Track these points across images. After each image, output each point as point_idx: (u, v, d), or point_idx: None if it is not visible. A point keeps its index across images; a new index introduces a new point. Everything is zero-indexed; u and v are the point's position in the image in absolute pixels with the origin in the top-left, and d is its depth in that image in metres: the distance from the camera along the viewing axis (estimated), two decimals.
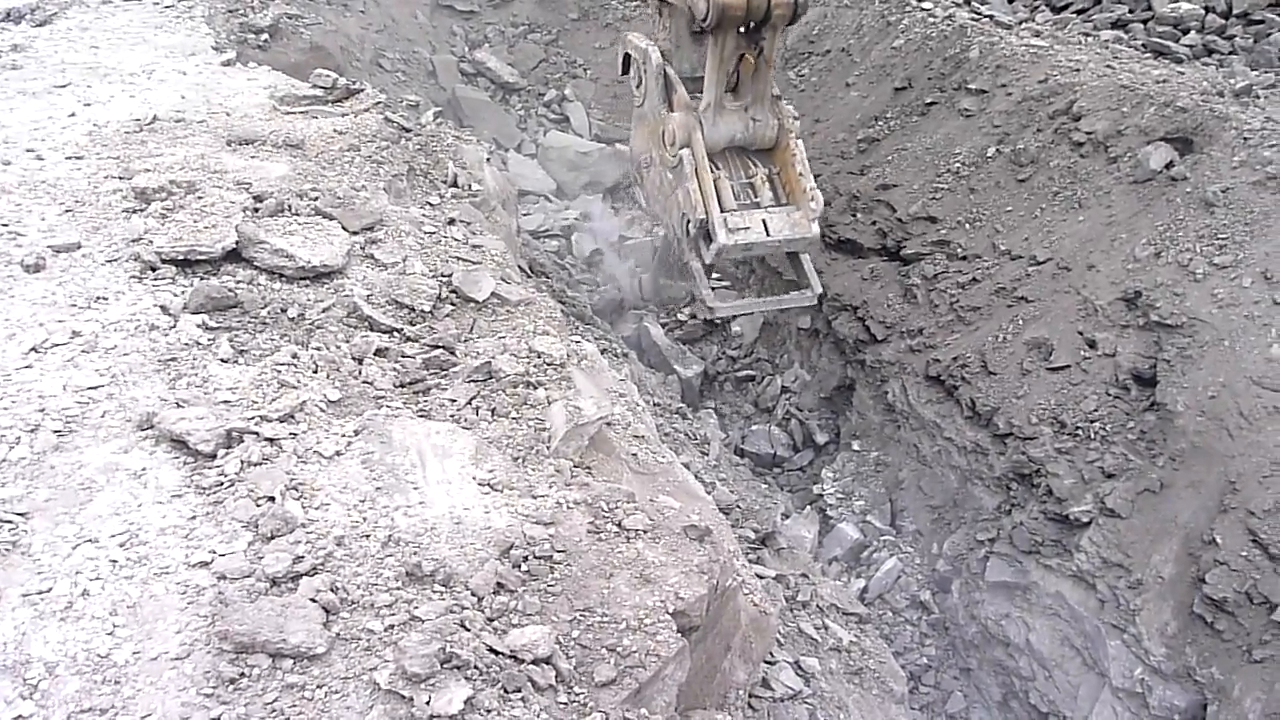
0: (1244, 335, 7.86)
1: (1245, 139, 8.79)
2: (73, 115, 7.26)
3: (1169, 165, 9.15)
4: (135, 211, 5.75)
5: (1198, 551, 7.55)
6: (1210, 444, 7.71)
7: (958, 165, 10.91)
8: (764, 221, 9.32)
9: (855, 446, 10.85)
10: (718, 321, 10.20)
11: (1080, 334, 8.93)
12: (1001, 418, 9.16)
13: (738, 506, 7.66)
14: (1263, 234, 8.19)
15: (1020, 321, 9.45)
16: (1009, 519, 9.15)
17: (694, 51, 10.09)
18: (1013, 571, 8.92)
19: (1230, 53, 11.85)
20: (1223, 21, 12.33)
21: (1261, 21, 12.16)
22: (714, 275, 10.35)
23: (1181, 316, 8.22)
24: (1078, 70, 10.66)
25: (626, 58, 10.71)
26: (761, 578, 6.17)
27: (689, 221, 9.33)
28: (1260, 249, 8.12)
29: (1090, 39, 12.03)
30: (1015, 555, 8.94)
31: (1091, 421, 8.56)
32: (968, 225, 10.55)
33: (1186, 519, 7.72)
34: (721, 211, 9.21)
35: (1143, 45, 11.85)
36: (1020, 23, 12.61)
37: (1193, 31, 12.30)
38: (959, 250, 10.49)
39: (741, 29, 8.96)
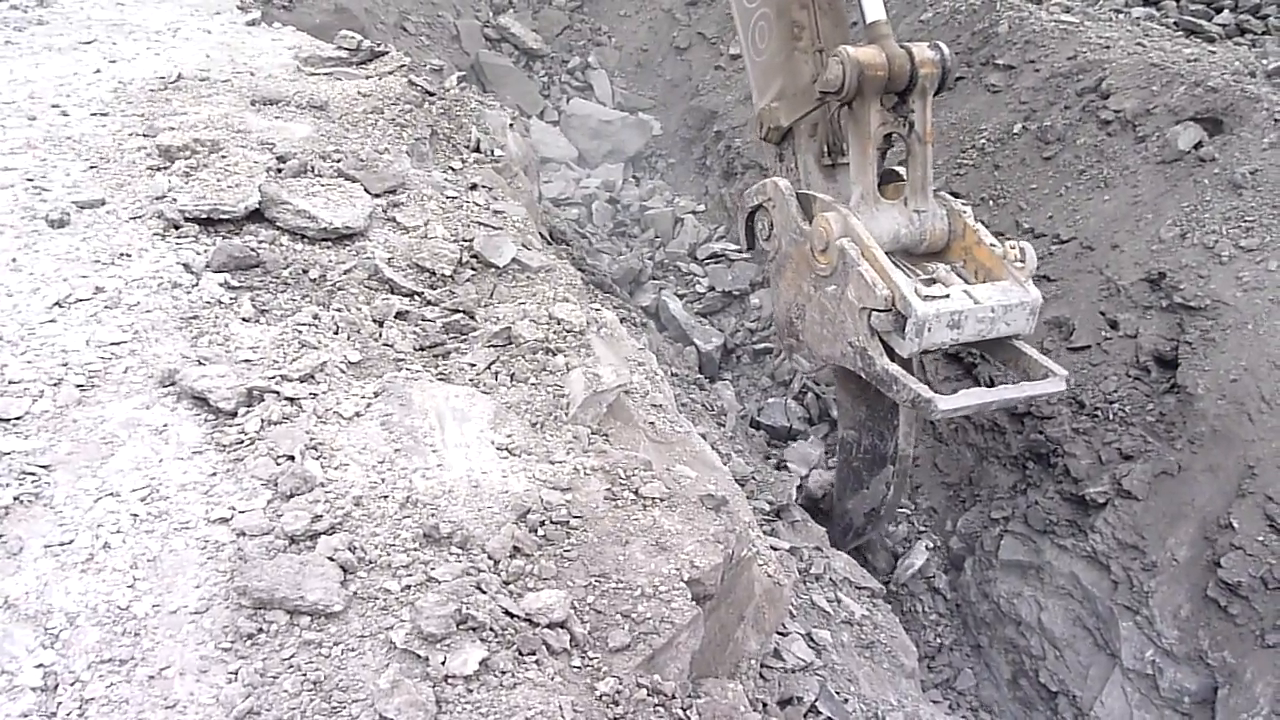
0: (1268, 319, 7.80)
1: (1276, 120, 8.68)
2: (98, 72, 7.27)
3: (1197, 145, 9.05)
4: (159, 169, 5.76)
5: (1214, 535, 7.53)
6: (1230, 428, 7.67)
7: (983, 141, 10.82)
8: (966, 292, 7.19)
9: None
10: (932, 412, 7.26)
11: (1102, 314, 8.88)
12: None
13: (753, 478, 7.67)
14: None
15: (1042, 300, 9.39)
16: (1024, 498, 9.13)
17: (827, 188, 8.21)
18: (1026, 551, 8.91)
19: (1264, 32, 11.70)
20: (1256, 1, 12.17)
21: None
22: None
23: (1205, 299, 8.15)
24: (1107, 47, 10.54)
25: (750, 220, 8.60)
26: (775, 549, 6.18)
27: (870, 314, 7.16)
28: None
29: (1121, 16, 11.89)
30: (1030, 535, 8.93)
31: (1111, 403, 8.52)
32: (991, 203, 10.47)
33: (1203, 503, 7.70)
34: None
35: (1174, 23, 11.70)
36: None
37: (1225, 10, 12.14)
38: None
39: (885, 102, 7.42)
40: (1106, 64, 10.23)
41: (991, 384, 8.68)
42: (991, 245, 7.46)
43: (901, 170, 7.90)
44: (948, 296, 7.03)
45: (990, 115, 10.98)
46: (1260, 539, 7.18)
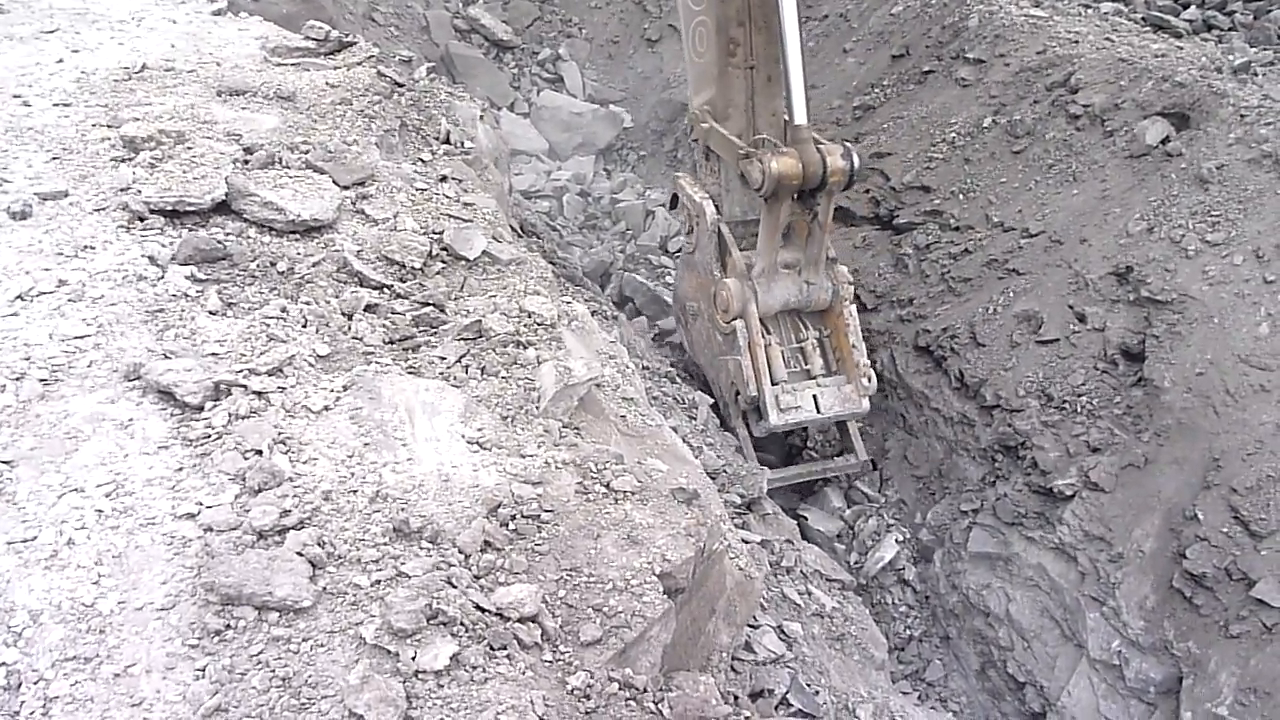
0: (1233, 313, 7.88)
1: (1242, 116, 8.77)
2: (60, 62, 7.15)
3: (1165, 140, 9.13)
4: (124, 160, 5.68)
5: (1179, 527, 7.60)
6: (1196, 420, 7.74)
7: (953, 135, 10.87)
8: (815, 398, 9.16)
9: None
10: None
11: (1070, 308, 8.94)
12: (989, 389, 9.18)
13: (724, 471, 7.67)
14: (1256, 212, 8.19)
15: (1011, 294, 9.46)
16: (993, 490, 9.19)
17: (744, 196, 9.71)
18: (995, 543, 8.97)
19: (1230, 29, 11.82)
20: None
21: None
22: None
23: (1172, 293, 8.23)
24: (1076, 42, 10.61)
25: (674, 197, 10.41)
26: (747, 542, 6.19)
27: (739, 395, 9.20)
28: (1253, 227, 8.12)
29: (1090, 11, 11.97)
30: (998, 526, 8.99)
31: (1079, 395, 8.59)
32: (961, 196, 10.52)
33: (1169, 494, 7.77)
34: (773, 384, 9.13)
35: (1142, 19, 11.80)
36: None
37: (1193, 6, 12.26)
38: (951, 221, 10.46)
39: (795, 195, 8.70)
40: (1075, 59, 10.30)
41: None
42: (854, 347, 9.32)
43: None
44: (798, 407, 9.15)
45: (960, 109, 11.04)
46: (1224, 530, 7.26)
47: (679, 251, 13.52)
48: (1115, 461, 8.14)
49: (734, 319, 9.16)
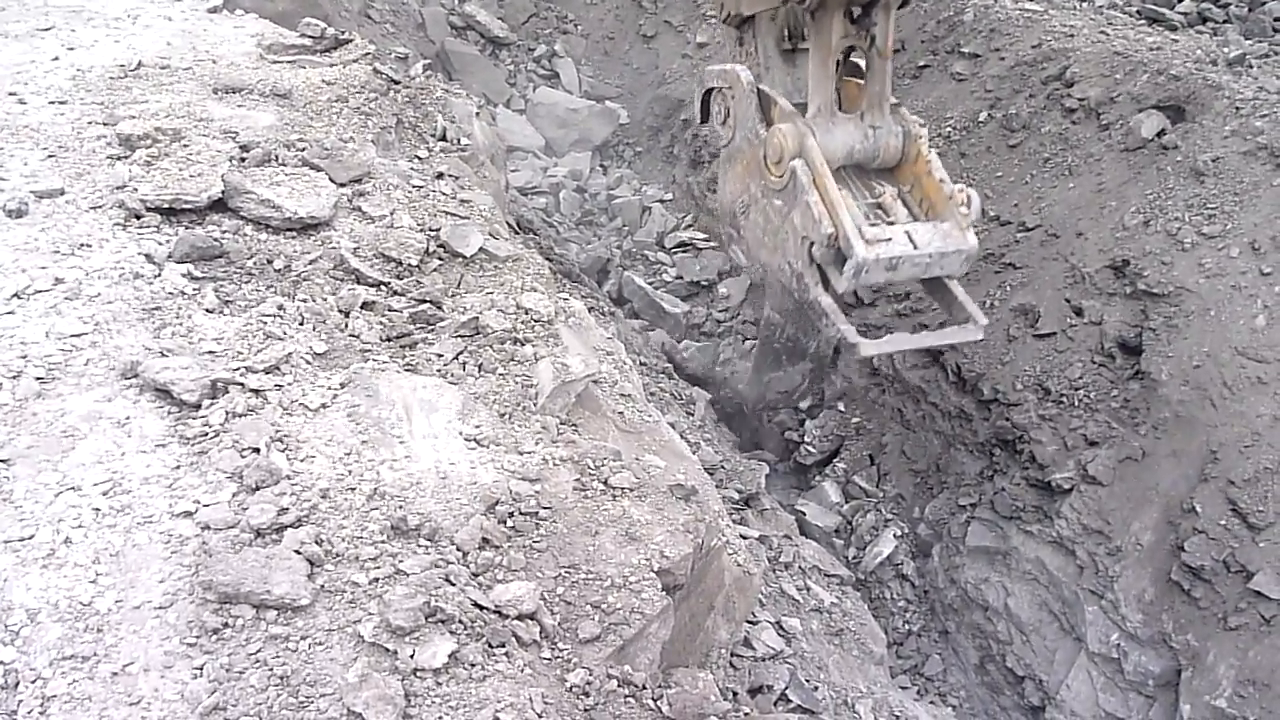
0: (1229, 305, 7.88)
1: (1237, 108, 8.76)
2: (56, 59, 7.13)
3: (1160, 133, 9.12)
4: (120, 158, 5.67)
5: (1177, 520, 7.61)
6: (1193, 413, 7.75)
7: (949, 129, 10.86)
8: (907, 234, 7.35)
9: (840, 408, 10.86)
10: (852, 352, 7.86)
11: (1067, 301, 8.94)
12: (986, 384, 9.18)
13: (722, 467, 7.68)
14: (1252, 204, 8.19)
15: (1008, 288, 9.46)
16: (991, 484, 9.20)
17: (787, 73, 8.34)
18: (993, 537, 8.98)
19: (1224, 21, 11.81)
20: None
21: None
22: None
23: (1168, 286, 8.23)
24: (1071, 36, 10.60)
25: (705, 98, 8.79)
26: (745, 538, 6.19)
27: (811, 245, 7.38)
28: (1249, 219, 8.12)
29: (1085, 4, 11.97)
30: (996, 521, 9.01)
31: (1076, 389, 8.59)
32: None
33: (1167, 487, 7.78)
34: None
35: (1137, 12, 11.79)
36: None
37: None
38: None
39: (847, 14, 7.46)
40: (1071, 52, 10.29)
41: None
42: (941, 181, 7.54)
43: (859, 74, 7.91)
44: (889, 240, 7.17)
45: (956, 103, 11.02)
46: (1222, 523, 7.27)
47: (682, 247, 13.55)
48: (1113, 455, 8.15)
49: (792, 159, 7.50)
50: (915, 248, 7.27)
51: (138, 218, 5.16)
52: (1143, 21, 11.42)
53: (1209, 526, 7.34)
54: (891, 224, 7.43)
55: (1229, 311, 7.87)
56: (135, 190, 5.29)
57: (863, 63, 7.85)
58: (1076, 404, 8.54)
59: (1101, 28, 10.83)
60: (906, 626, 9.48)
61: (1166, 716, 7.51)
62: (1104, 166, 9.42)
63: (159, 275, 4.75)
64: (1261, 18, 11.77)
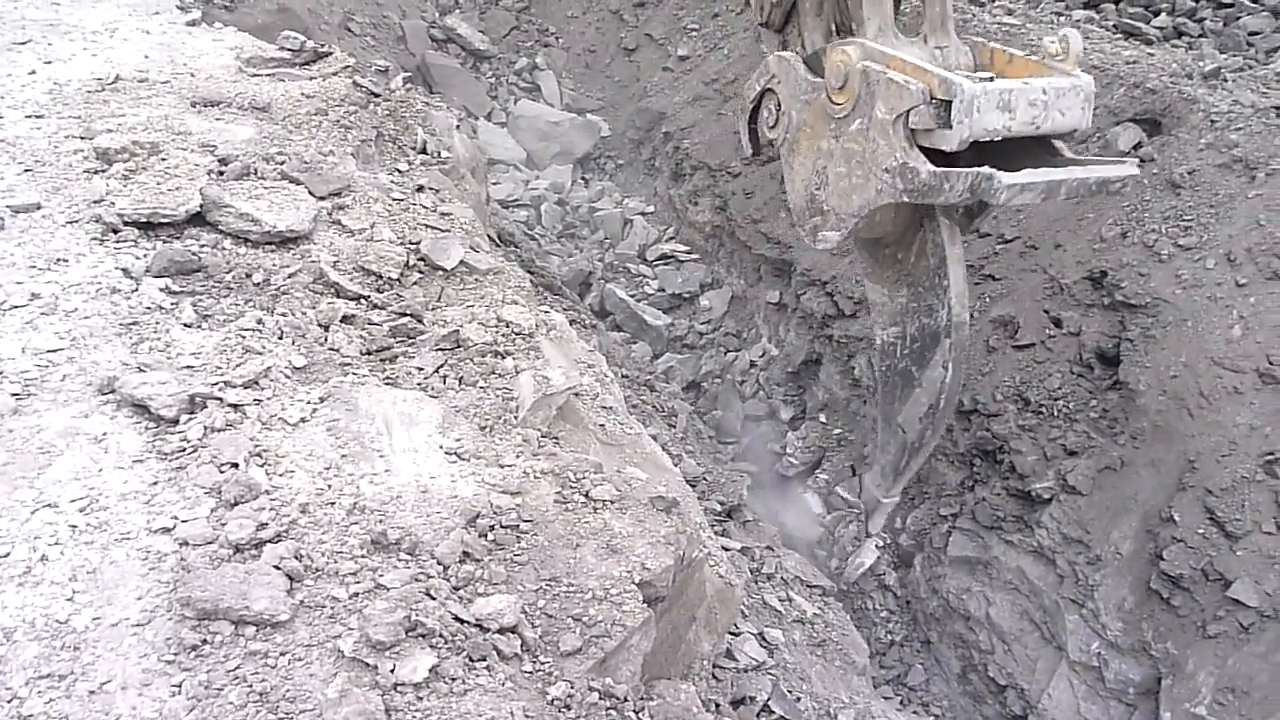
0: (1206, 316, 7.94)
1: (1213, 121, 8.85)
2: (33, 73, 7.11)
3: (1137, 146, 9.20)
4: (97, 172, 5.65)
5: (1156, 529, 7.66)
6: (1171, 423, 7.80)
7: None
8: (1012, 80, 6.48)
9: (822, 419, 10.89)
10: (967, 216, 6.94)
11: (1046, 312, 9.00)
12: (966, 394, 9.22)
13: (704, 479, 7.68)
14: (1227, 216, 8.26)
15: (987, 299, 9.50)
16: (972, 495, 9.23)
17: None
18: (975, 547, 9.01)
19: (1200, 35, 11.92)
20: (1193, 4, 12.40)
21: (1231, 5, 12.23)
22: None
23: (1146, 297, 8.29)
24: None
25: (752, 119, 8.05)
26: (727, 550, 6.20)
27: (906, 118, 6.38)
28: (1224, 231, 8.19)
29: (1062, 18, 12.06)
30: (977, 531, 9.04)
31: (1055, 399, 8.64)
32: None
33: (1146, 497, 7.83)
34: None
35: (1114, 26, 11.90)
36: (993, 0, 12.62)
37: (1163, 14, 12.37)
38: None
39: None
40: None
41: None
42: (1026, 55, 6.87)
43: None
44: (993, 77, 6.43)
45: None
46: (1200, 532, 7.31)
47: (664, 260, 13.51)
48: (1092, 464, 8.19)
49: (859, 63, 6.66)
50: (1026, 83, 6.42)
51: (115, 232, 5.13)
52: (1119, 36, 11.52)
53: (1187, 535, 7.38)
54: None
55: (1205, 322, 7.93)
56: (112, 204, 5.27)
57: None
58: (1056, 414, 8.59)
59: None
60: (889, 637, 9.49)
61: None
62: None
63: (136, 290, 4.73)
64: (1236, 32, 11.89)
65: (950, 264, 7.18)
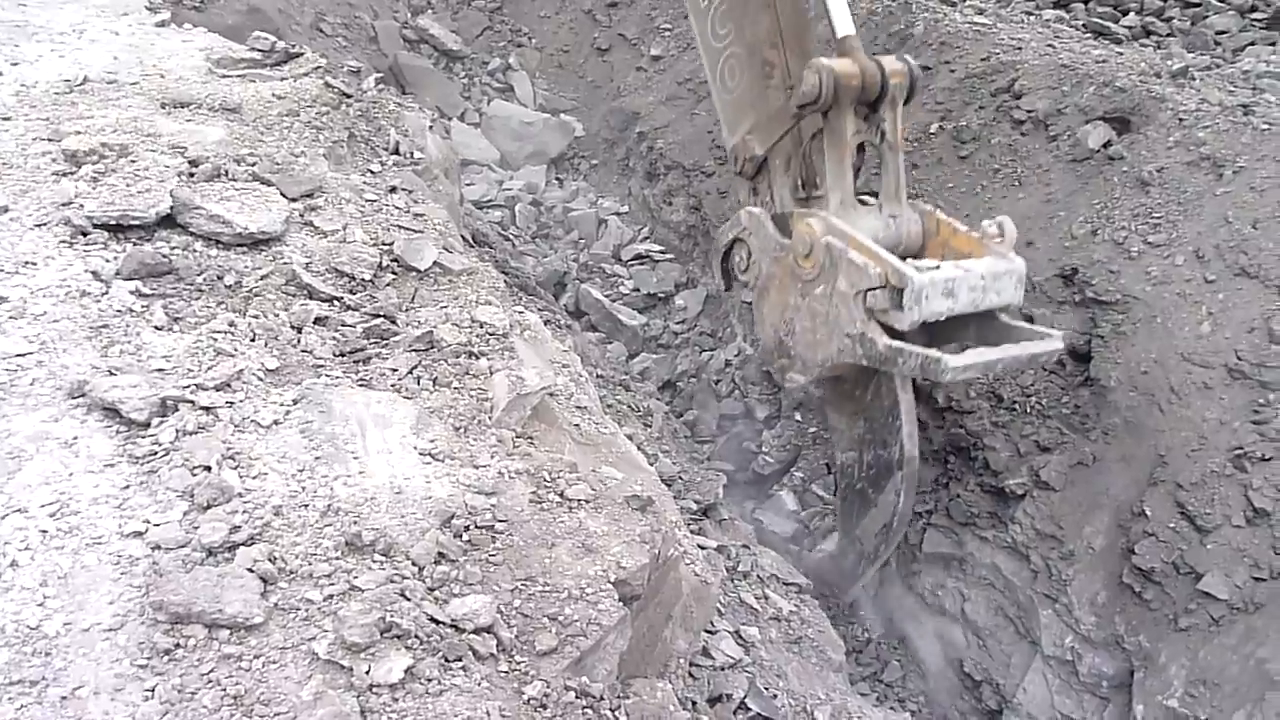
0: (1176, 312, 8.03)
1: (1180, 119, 8.94)
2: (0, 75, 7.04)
3: (1106, 144, 9.28)
4: (65, 175, 5.60)
5: (1127, 523, 7.73)
6: (1141, 419, 7.88)
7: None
8: (955, 265, 7.32)
9: (797, 417, 10.92)
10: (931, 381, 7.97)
11: (1019, 310, 9.05)
12: (940, 391, 9.28)
13: (680, 478, 7.69)
14: (1195, 213, 8.35)
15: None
16: (946, 491, 9.29)
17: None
18: (949, 543, 9.07)
19: (1168, 34, 12.07)
20: (1161, 3, 12.55)
21: (1199, 4, 12.39)
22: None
23: (1116, 294, 8.37)
24: (1019, 49, 10.76)
25: (725, 258, 8.88)
26: (703, 548, 6.20)
27: (864, 297, 7.26)
28: (1193, 228, 8.28)
29: (1032, 18, 12.16)
30: (952, 527, 9.10)
31: (1028, 396, 8.71)
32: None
33: (1117, 492, 7.90)
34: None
35: (1083, 25, 12.02)
36: (964, 0, 12.71)
37: (1132, 13, 12.51)
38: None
39: (858, 112, 7.70)
40: (1019, 65, 10.45)
41: None
42: (968, 232, 7.65)
43: (867, 196, 8.13)
44: (938, 267, 7.16)
45: (907, 116, 11.10)
46: (1171, 525, 7.39)
47: (639, 260, 13.55)
48: (1065, 460, 8.26)
49: (823, 237, 7.51)
50: (967, 271, 7.23)
51: (84, 235, 5.09)
52: (1089, 35, 11.63)
53: (1158, 529, 7.46)
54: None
55: (1175, 318, 8.01)
56: (81, 207, 5.22)
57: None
58: (1028, 411, 8.65)
59: (1049, 41, 11.01)
60: (865, 634, 9.53)
61: (1120, 717, 7.60)
62: (1052, 177, 9.57)
63: (106, 293, 4.70)
64: (1204, 31, 12.03)
65: (903, 408, 8.01)
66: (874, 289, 7.17)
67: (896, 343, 7.17)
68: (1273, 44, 11.67)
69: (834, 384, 8.60)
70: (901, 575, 9.46)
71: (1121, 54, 10.66)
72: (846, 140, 7.71)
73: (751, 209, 8.44)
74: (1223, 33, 11.99)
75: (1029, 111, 9.99)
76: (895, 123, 7.75)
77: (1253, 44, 11.78)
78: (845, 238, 7.40)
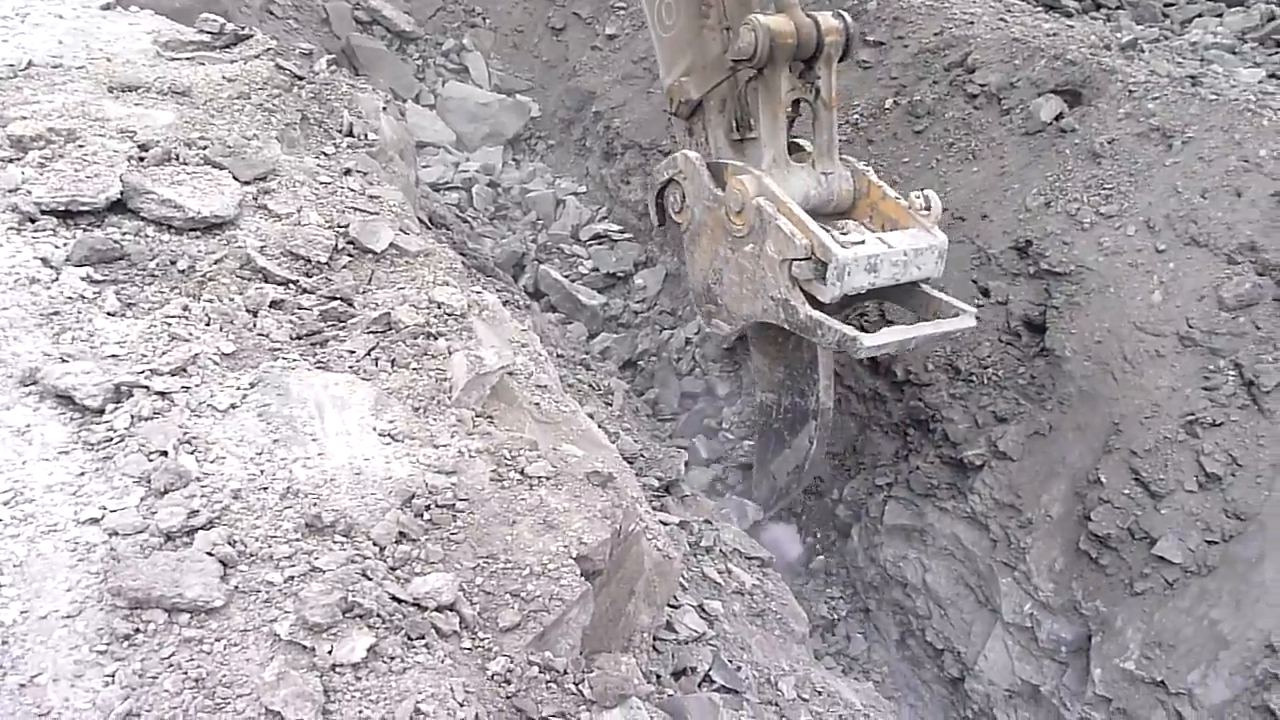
0: (1128, 282, 8.15)
1: (1130, 92, 9.05)
2: None
3: (1058, 117, 9.39)
4: (11, 161, 5.49)
5: (1084, 491, 7.86)
6: (1096, 388, 8.00)
7: (856, 117, 11.04)
8: (879, 239, 7.66)
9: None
10: (862, 358, 8.07)
11: (974, 282, 9.16)
12: (899, 365, 9.37)
13: (642, 455, 7.72)
14: (1146, 184, 8.47)
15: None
16: (906, 464, 9.40)
17: (738, 159, 8.55)
18: (910, 515, 9.18)
19: (1117, 7, 12.20)
20: None
21: None
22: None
23: (1070, 265, 8.48)
24: (972, 23, 10.84)
25: (659, 198, 9.03)
26: (665, 524, 6.24)
27: (790, 264, 7.52)
28: (1144, 199, 8.40)
29: None
30: (912, 499, 9.21)
31: (985, 368, 8.82)
32: None
33: (1074, 460, 8.03)
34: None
35: None
36: None
37: None
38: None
39: (793, 69, 7.84)
40: (971, 39, 10.53)
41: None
42: (897, 199, 7.92)
43: (804, 142, 8.38)
44: (864, 242, 7.49)
45: (862, 91, 11.20)
46: (1126, 492, 7.53)
47: (598, 239, 13.56)
48: (1022, 430, 8.38)
49: (754, 199, 7.73)
50: (890, 247, 7.56)
51: (32, 221, 5.01)
52: (1040, 8, 11.74)
53: (1113, 496, 7.59)
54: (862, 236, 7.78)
55: (1127, 288, 8.13)
56: (29, 193, 5.14)
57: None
58: (985, 382, 8.76)
59: (1001, 15, 11.10)
60: (833, 614, 9.64)
61: (1079, 681, 7.75)
62: (1006, 150, 9.67)
63: (56, 279, 4.63)
64: (1152, 3, 12.18)
65: (821, 362, 8.47)
66: (800, 260, 7.45)
67: (818, 314, 7.49)
68: (1219, 15, 11.83)
69: (759, 329, 8.84)
70: (864, 548, 9.56)
71: (1072, 27, 10.77)
72: (781, 98, 7.88)
73: (688, 154, 8.58)
74: (1171, 4, 12.15)
75: (982, 85, 10.08)
76: (830, 80, 7.91)
77: (1200, 16, 11.95)
78: (776, 201, 7.61)
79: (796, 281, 7.56)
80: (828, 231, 7.55)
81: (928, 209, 7.85)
